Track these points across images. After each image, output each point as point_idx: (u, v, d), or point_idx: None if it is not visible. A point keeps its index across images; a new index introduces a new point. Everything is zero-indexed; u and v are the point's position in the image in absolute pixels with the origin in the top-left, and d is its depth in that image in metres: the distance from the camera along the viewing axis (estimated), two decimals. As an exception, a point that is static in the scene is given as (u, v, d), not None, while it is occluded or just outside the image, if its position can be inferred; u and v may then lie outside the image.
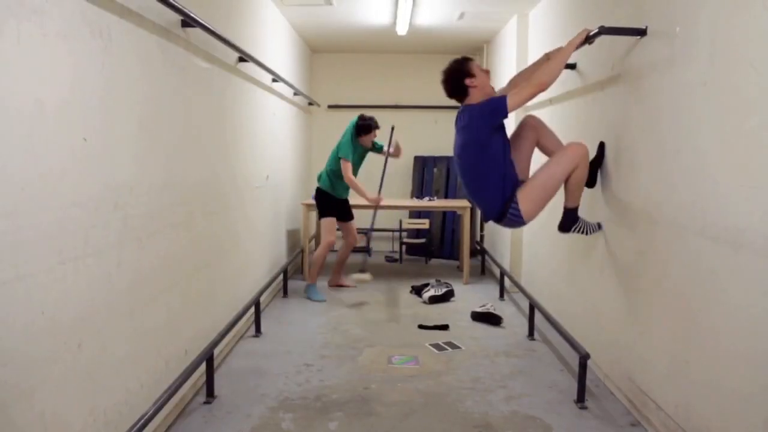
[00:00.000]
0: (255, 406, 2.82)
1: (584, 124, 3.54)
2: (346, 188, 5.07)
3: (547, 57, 3.08)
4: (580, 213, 3.15)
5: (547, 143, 3.18)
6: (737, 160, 1.98)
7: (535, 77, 2.87)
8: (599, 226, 3.14)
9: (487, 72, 3.15)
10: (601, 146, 3.15)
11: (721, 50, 2.08)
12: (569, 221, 3.14)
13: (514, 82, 3.24)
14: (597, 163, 3.14)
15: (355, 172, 5.01)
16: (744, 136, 1.94)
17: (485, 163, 2.99)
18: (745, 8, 1.95)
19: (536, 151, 3.24)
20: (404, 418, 2.74)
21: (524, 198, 2.97)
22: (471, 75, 3.04)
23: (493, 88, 3.15)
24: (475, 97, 3.04)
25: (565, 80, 3.85)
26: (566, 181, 3.01)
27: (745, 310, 1.94)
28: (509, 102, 2.85)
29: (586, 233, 3.14)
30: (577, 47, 2.91)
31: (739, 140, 1.97)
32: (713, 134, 2.13)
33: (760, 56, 1.86)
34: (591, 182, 3.15)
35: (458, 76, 3.06)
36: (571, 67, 3.67)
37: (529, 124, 3.18)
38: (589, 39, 2.86)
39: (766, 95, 1.84)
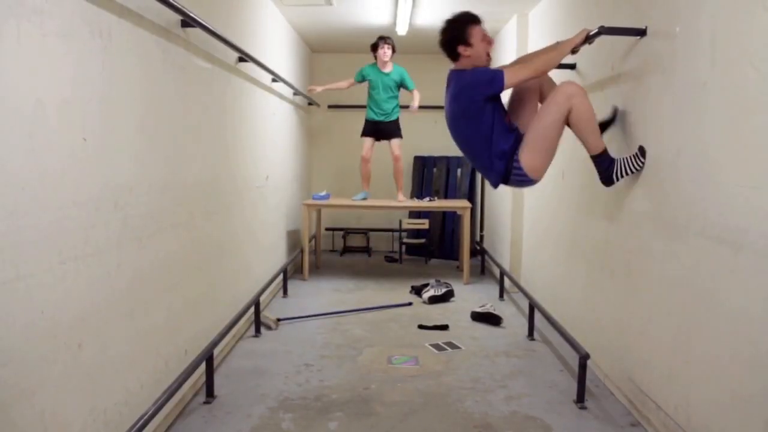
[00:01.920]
0: (255, 406, 2.82)
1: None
2: (375, 111, 5.72)
3: (557, 44, 2.99)
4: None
5: (547, 89, 2.97)
6: (738, 160, 1.98)
7: (534, 62, 2.80)
8: (641, 152, 2.66)
9: (488, 42, 2.90)
10: (615, 111, 2.98)
11: (721, 50, 2.08)
12: (604, 170, 2.77)
13: (517, 61, 3.13)
14: (605, 126, 2.95)
15: (380, 99, 5.66)
16: (745, 136, 1.94)
17: (480, 133, 2.85)
18: (745, 8, 1.95)
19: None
20: (404, 418, 2.74)
21: (524, 153, 2.80)
22: (467, 43, 2.83)
23: (489, 59, 2.92)
24: (464, 63, 2.89)
25: (566, 80, 3.85)
26: (571, 127, 2.78)
27: (745, 311, 1.94)
28: (506, 78, 2.73)
29: (634, 170, 2.70)
30: (575, 49, 2.86)
31: (740, 140, 1.97)
32: (714, 134, 2.13)
33: (760, 56, 1.86)
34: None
35: (452, 39, 2.86)
36: (571, 67, 3.67)
37: (528, 87, 2.97)
38: (589, 39, 2.85)
39: (766, 95, 1.84)
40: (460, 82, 2.86)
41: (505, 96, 2.92)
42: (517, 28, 5.12)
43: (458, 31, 2.85)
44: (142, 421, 2.13)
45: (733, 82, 2.01)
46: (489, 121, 2.84)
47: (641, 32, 2.68)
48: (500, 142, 2.85)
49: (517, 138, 2.87)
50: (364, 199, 5.80)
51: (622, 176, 2.75)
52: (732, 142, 2.01)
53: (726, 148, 2.05)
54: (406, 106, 5.72)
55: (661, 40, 2.52)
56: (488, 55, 2.90)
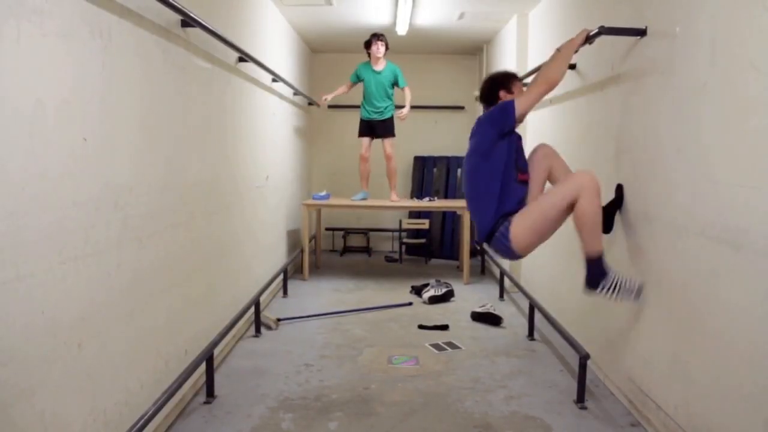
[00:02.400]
0: (255, 406, 2.82)
1: (584, 124, 3.54)
2: (369, 110, 5.72)
3: (558, 51, 3.04)
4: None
5: (558, 174, 2.95)
6: (738, 160, 1.98)
7: (539, 79, 2.84)
8: (640, 289, 2.55)
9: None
10: (619, 188, 2.86)
11: (721, 50, 2.08)
12: (594, 274, 2.60)
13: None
14: (615, 206, 2.86)
15: (372, 98, 5.65)
16: (745, 136, 1.94)
17: (484, 172, 2.85)
18: (745, 8, 1.95)
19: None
20: (404, 418, 2.74)
21: (518, 221, 2.74)
22: (509, 90, 2.99)
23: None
24: None
25: (565, 80, 3.84)
26: (573, 220, 2.66)
27: (745, 311, 1.94)
28: (517, 104, 2.80)
29: (619, 293, 2.55)
30: (577, 49, 2.90)
31: (740, 140, 1.97)
32: (714, 134, 2.13)
33: (760, 56, 1.86)
34: (607, 227, 2.83)
35: (495, 85, 3.02)
36: (571, 67, 3.66)
37: (541, 152, 3.00)
38: (589, 39, 2.86)
39: (766, 95, 1.84)
40: (480, 119, 2.97)
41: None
42: (517, 28, 5.12)
43: (505, 79, 3.06)
44: (142, 421, 2.13)
45: (733, 82, 2.01)
46: (498, 165, 2.83)
47: (641, 32, 2.68)
48: (508, 197, 2.81)
49: (521, 203, 2.84)
50: (364, 199, 5.79)
51: (608, 293, 2.58)
52: (732, 142, 2.01)
53: (726, 148, 2.05)
54: (402, 106, 5.72)
55: (661, 40, 2.52)
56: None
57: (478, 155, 2.90)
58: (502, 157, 2.84)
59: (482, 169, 2.88)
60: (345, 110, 7.05)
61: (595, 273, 2.62)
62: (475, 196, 2.95)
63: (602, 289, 2.60)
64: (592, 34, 2.82)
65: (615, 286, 2.57)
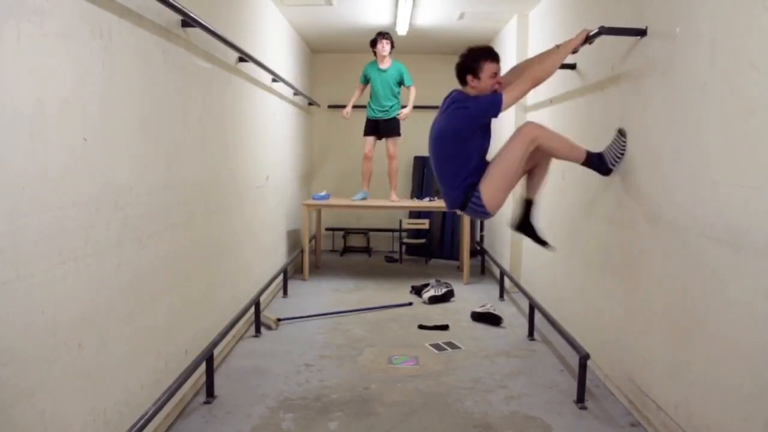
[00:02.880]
0: (255, 406, 2.82)
1: (584, 124, 3.54)
2: (374, 108, 5.72)
3: (557, 47, 3.02)
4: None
5: (537, 178, 3.11)
6: (738, 160, 1.98)
7: (529, 73, 2.85)
8: (621, 133, 2.84)
9: (498, 81, 2.94)
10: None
11: (721, 50, 2.08)
12: (597, 167, 2.90)
13: (515, 71, 3.14)
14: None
15: (378, 97, 5.66)
16: (745, 136, 1.94)
17: (459, 153, 2.93)
18: (745, 8, 1.95)
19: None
20: (404, 418, 2.74)
21: (486, 188, 2.89)
22: (476, 75, 2.91)
23: (494, 93, 2.91)
24: (468, 90, 2.98)
25: (565, 80, 3.85)
26: (552, 157, 2.96)
27: (745, 311, 1.94)
28: (505, 100, 2.81)
29: (622, 152, 2.83)
30: (576, 49, 2.90)
31: (740, 140, 1.97)
32: (714, 134, 2.13)
33: (760, 56, 1.86)
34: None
35: (464, 68, 2.97)
36: (571, 67, 3.67)
37: (541, 154, 2.98)
38: (589, 39, 2.86)
39: (766, 95, 1.84)
40: (461, 103, 2.94)
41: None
42: (517, 28, 5.12)
43: (472, 61, 2.94)
44: (142, 421, 2.13)
45: (733, 82, 2.01)
46: (475, 148, 2.94)
47: (641, 32, 2.68)
48: (474, 173, 2.94)
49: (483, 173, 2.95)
50: (364, 198, 5.79)
51: (616, 162, 2.87)
52: (732, 143, 2.01)
53: (726, 149, 2.05)
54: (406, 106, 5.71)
55: (661, 40, 2.52)
56: (495, 92, 2.90)
57: (455, 138, 2.93)
58: (479, 142, 2.95)
59: (456, 150, 2.94)
60: (345, 110, 7.05)
61: (597, 164, 2.91)
62: (445, 171, 3.01)
63: (612, 165, 2.89)
64: (592, 34, 2.82)
65: (615, 154, 2.87)
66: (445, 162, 3.00)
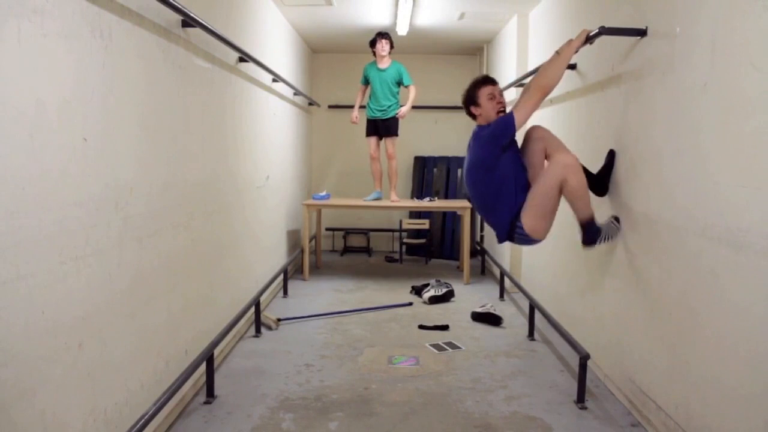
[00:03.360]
0: (255, 406, 2.82)
1: (584, 124, 3.54)
2: (373, 108, 5.72)
3: (557, 53, 3.04)
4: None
5: (552, 151, 3.03)
6: (738, 160, 1.98)
7: (536, 83, 2.85)
8: (616, 220, 2.91)
9: (497, 101, 3.00)
10: (611, 154, 3.03)
11: (721, 50, 2.08)
12: (589, 235, 2.90)
13: (525, 88, 3.15)
14: (607, 171, 3.03)
15: (376, 97, 5.66)
16: (745, 136, 1.94)
17: (494, 185, 2.95)
18: (745, 8, 1.95)
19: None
20: (404, 418, 2.74)
21: (525, 216, 2.90)
22: (476, 104, 3.02)
23: (498, 113, 2.99)
24: (480, 121, 3.04)
25: (565, 80, 3.85)
26: (566, 196, 2.87)
27: (745, 311, 1.94)
28: (516, 117, 2.84)
29: (614, 236, 2.92)
30: (577, 49, 2.90)
31: (740, 141, 1.97)
32: (714, 135, 2.12)
33: (760, 56, 1.86)
34: (601, 190, 3.05)
35: (466, 102, 3.08)
36: (572, 67, 3.67)
37: (534, 136, 3.04)
38: (589, 39, 2.86)
39: (766, 95, 1.84)
40: (480, 135, 3.00)
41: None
42: (517, 28, 5.12)
43: (469, 93, 3.07)
44: (142, 421, 2.13)
45: (733, 82, 2.01)
46: (506, 177, 2.93)
47: (641, 32, 2.68)
48: (514, 205, 2.93)
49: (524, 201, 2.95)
50: (377, 199, 5.78)
51: (604, 241, 2.91)
52: (732, 143, 2.01)
53: (726, 149, 2.05)
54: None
55: (661, 40, 2.52)
56: (499, 112, 2.98)
57: (483, 169, 2.97)
58: (508, 166, 2.93)
59: (488, 181, 2.97)
60: (346, 110, 7.04)
61: (591, 233, 2.91)
62: (489, 206, 3.05)
63: (599, 243, 2.92)
64: (592, 34, 2.82)
65: (606, 237, 2.90)
66: (482, 198, 3.05)
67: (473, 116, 3.08)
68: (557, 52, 2.92)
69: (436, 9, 5.09)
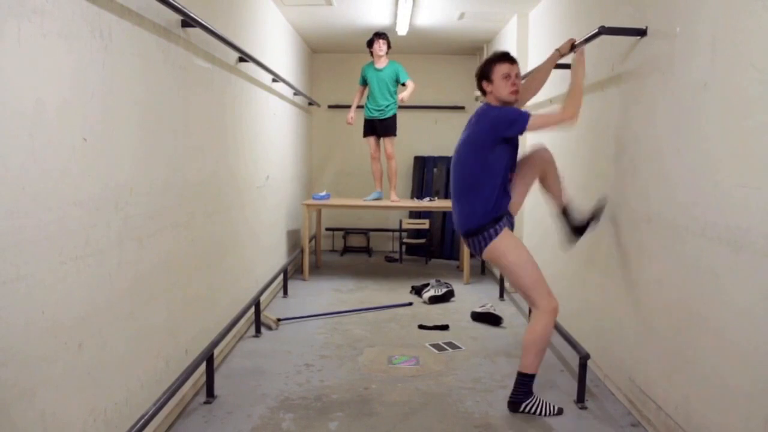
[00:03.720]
0: (255, 406, 2.82)
1: (584, 124, 3.54)
2: (371, 108, 5.73)
3: (557, 52, 2.98)
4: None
5: (551, 183, 2.98)
6: (738, 160, 1.98)
7: (565, 111, 2.76)
8: (559, 411, 2.77)
9: (511, 81, 2.81)
10: (600, 206, 2.99)
11: (721, 50, 2.08)
12: (519, 393, 2.77)
13: (529, 77, 3.15)
14: (593, 218, 2.97)
15: (374, 96, 5.66)
16: (745, 136, 1.94)
17: (477, 168, 2.76)
18: (745, 8, 1.95)
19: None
20: (404, 418, 2.74)
21: (501, 248, 2.77)
22: (489, 79, 2.82)
23: (513, 96, 2.83)
24: (490, 98, 2.86)
25: (565, 80, 3.84)
26: (525, 336, 2.81)
27: (745, 311, 1.94)
28: (531, 121, 2.68)
29: (540, 412, 2.75)
30: (563, 56, 2.92)
31: (740, 140, 1.97)
32: (714, 134, 2.12)
33: (760, 56, 1.86)
34: (578, 233, 2.98)
35: (479, 76, 2.89)
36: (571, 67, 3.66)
37: (538, 156, 2.93)
38: (574, 48, 2.86)
39: (766, 95, 1.84)
40: (486, 114, 2.82)
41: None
42: (517, 28, 5.12)
43: (484, 67, 2.88)
44: (142, 421, 2.13)
45: (733, 82, 2.01)
46: (501, 162, 2.76)
47: (641, 32, 2.68)
48: (502, 199, 2.78)
49: (505, 214, 2.82)
50: (377, 199, 5.77)
51: (529, 411, 2.77)
52: (732, 142, 2.01)
53: (726, 148, 2.05)
54: (408, 106, 5.70)
55: (661, 40, 2.52)
56: (512, 93, 2.81)
57: (473, 148, 2.78)
58: (502, 158, 2.77)
59: (473, 164, 2.78)
60: (346, 110, 7.03)
61: (521, 391, 2.78)
62: (464, 189, 2.83)
63: (523, 409, 2.78)
64: (591, 34, 2.84)
65: (536, 407, 2.77)
66: (461, 180, 2.84)
67: (483, 92, 2.89)
68: (558, 50, 2.95)
69: (436, 9, 5.09)
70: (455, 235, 6.75)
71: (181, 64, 2.69)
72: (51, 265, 1.71)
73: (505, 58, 2.85)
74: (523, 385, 2.77)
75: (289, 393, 2.98)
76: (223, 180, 3.38)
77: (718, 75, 2.10)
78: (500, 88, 2.81)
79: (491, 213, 2.77)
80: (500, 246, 2.77)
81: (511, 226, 2.86)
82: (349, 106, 6.68)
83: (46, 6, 1.67)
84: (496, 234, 2.76)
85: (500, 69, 2.82)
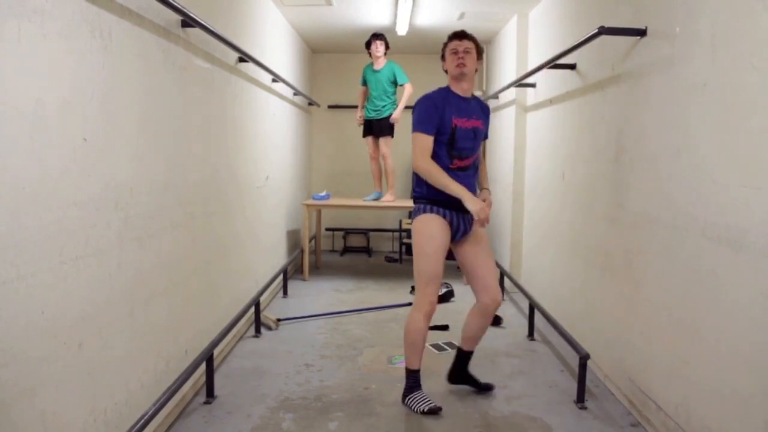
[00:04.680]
0: (255, 406, 2.82)
1: (584, 124, 3.54)
2: (369, 109, 5.72)
3: (486, 189, 2.98)
4: None
5: (476, 327, 2.99)
6: (738, 160, 1.98)
7: (420, 163, 2.75)
8: (432, 410, 2.77)
9: (457, 56, 2.79)
10: (490, 388, 3.03)
11: (721, 50, 2.08)
12: (408, 387, 2.85)
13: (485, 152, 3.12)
14: (480, 387, 3.03)
15: (373, 97, 5.64)
16: (745, 136, 1.94)
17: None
18: (745, 8, 1.95)
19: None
20: (404, 418, 2.74)
21: (414, 234, 2.83)
22: (443, 58, 2.87)
23: (457, 68, 2.78)
24: (448, 78, 2.87)
25: (565, 80, 3.85)
26: (405, 335, 2.87)
27: (745, 311, 1.94)
28: (414, 137, 2.75)
29: (415, 406, 2.80)
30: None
31: (740, 140, 1.97)
32: (714, 134, 2.13)
33: (760, 56, 1.86)
34: (460, 379, 3.06)
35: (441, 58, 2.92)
36: (571, 67, 3.67)
37: (488, 303, 2.90)
38: (480, 222, 2.74)
39: (766, 95, 1.84)
40: (479, 107, 2.94)
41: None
42: (517, 28, 5.12)
43: (442, 49, 2.92)
44: (142, 421, 2.13)
45: (733, 82, 2.01)
46: (437, 152, 2.79)
47: (641, 32, 2.68)
48: (426, 190, 2.83)
49: (456, 216, 2.82)
50: (376, 199, 5.77)
51: (408, 405, 2.82)
52: (732, 142, 2.02)
53: (726, 148, 2.05)
54: (407, 107, 5.70)
55: (661, 40, 2.52)
56: (458, 66, 2.78)
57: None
58: (438, 148, 2.79)
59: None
60: (346, 110, 7.05)
61: (406, 386, 2.87)
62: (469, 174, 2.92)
63: (405, 402, 2.86)
64: (591, 35, 2.84)
65: (412, 402, 2.82)
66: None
67: (446, 71, 2.88)
68: (487, 189, 2.97)
69: (436, 9, 5.09)
70: (455, 235, 6.74)
71: (181, 64, 2.69)
72: (51, 265, 1.71)
73: (455, 35, 2.87)
74: (406, 378, 2.88)
75: (289, 393, 2.98)
76: (223, 180, 3.39)
77: (718, 75, 2.10)
78: (449, 62, 2.85)
79: (427, 194, 2.84)
80: (417, 225, 2.85)
81: (457, 227, 2.84)
82: (349, 107, 6.71)
83: (46, 6, 1.68)
84: (421, 213, 2.84)
85: (450, 46, 2.86)
